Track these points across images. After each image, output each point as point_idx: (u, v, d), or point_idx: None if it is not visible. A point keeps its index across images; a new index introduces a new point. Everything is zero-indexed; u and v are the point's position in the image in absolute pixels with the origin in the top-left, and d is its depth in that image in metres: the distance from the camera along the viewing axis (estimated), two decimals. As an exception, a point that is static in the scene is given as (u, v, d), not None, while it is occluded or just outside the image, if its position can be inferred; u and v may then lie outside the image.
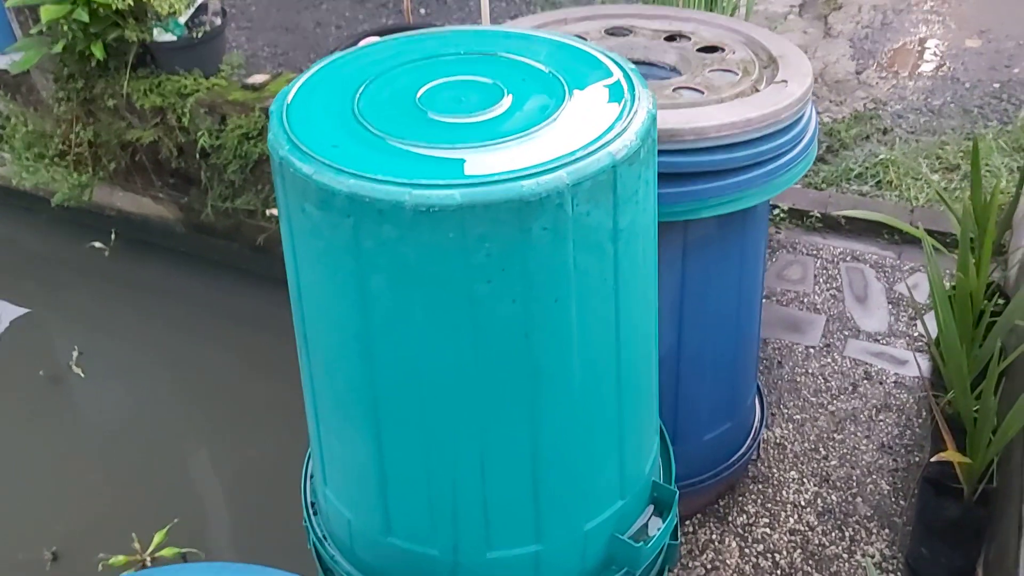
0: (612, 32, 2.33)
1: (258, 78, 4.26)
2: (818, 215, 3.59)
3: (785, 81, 2.01)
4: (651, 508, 1.74)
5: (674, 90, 2.03)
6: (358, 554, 1.66)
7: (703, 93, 2.01)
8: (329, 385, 1.56)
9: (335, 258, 1.38)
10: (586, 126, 1.39)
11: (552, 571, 1.58)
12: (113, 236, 4.59)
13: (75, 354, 4.08)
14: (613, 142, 1.35)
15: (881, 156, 3.94)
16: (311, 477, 1.82)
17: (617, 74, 1.53)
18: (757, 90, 2.02)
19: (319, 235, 1.38)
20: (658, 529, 1.67)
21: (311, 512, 1.79)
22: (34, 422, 3.88)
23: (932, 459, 2.18)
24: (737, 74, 2.09)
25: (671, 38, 2.28)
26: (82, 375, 4.01)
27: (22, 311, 4.61)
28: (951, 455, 2.11)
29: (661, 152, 1.66)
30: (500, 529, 1.52)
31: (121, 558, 2.68)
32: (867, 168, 3.90)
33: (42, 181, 4.68)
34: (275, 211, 4.11)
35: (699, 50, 2.22)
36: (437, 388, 1.43)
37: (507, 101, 1.46)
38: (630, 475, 1.63)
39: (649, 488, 1.73)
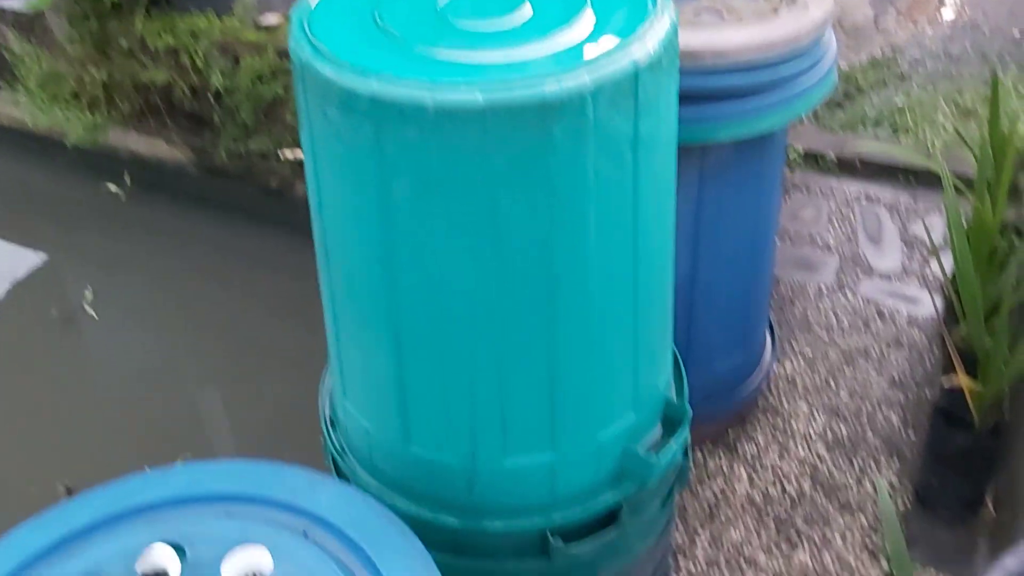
0: (631, -41, 2.30)
1: (271, 19, 4.24)
2: (833, 157, 3.58)
3: (806, 5, 2.00)
4: (663, 426, 1.76)
5: (694, 13, 2.02)
6: (377, 464, 1.68)
7: (723, 16, 2.00)
8: (349, 295, 1.58)
9: (357, 163, 1.39)
10: (608, 32, 1.39)
11: (567, 480, 1.60)
12: (128, 179, 4.60)
13: (88, 295, 4.11)
14: (635, 48, 1.35)
15: (898, 102, 3.91)
16: (329, 392, 1.85)
17: (639, -16, 1.52)
18: (777, 13, 2.01)
19: (341, 140, 1.39)
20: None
21: (329, 426, 1.82)
22: (47, 362, 3.90)
23: (945, 385, 2.20)
24: (757, -1, 2.08)
25: (690, -35, 2.26)
26: (95, 316, 4.04)
27: (36, 253, 4.63)
28: (963, 380, 2.12)
29: (681, 73, 1.65)
30: (516, 436, 1.55)
31: (135, 491, 2.71)
32: (883, 114, 3.87)
33: (56, 122, 4.68)
34: (288, 152, 4.13)
35: (718, -24, 2.20)
36: (457, 296, 1.45)
37: (528, 8, 1.46)
38: (644, 389, 1.65)
39: (662, 405, 1.74)
